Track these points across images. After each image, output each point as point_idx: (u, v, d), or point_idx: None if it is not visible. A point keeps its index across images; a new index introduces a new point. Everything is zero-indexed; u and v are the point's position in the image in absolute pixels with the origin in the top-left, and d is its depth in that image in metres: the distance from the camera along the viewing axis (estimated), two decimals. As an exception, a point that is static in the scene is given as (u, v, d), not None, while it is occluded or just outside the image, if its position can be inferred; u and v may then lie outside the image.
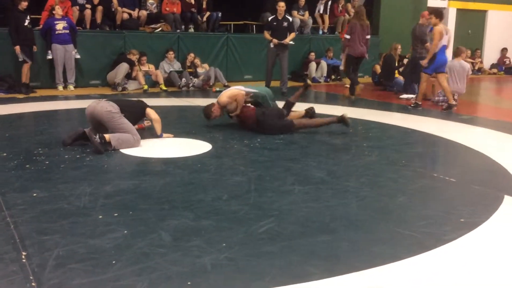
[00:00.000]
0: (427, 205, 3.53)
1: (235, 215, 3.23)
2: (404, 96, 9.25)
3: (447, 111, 7.68)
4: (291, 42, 9.24)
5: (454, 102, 7.88)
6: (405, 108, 8.04)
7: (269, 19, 9.39)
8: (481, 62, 15.57)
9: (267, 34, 9.26)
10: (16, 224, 2.97)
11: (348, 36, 8.97)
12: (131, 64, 9.43)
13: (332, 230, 3.02)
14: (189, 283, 2.35)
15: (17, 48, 8.17)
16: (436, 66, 7.77)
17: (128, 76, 9.47)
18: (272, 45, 9.16)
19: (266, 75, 9.53)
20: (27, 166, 4.23)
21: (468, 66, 8.57)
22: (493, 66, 15.92)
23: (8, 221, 3.02)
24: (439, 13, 7.80)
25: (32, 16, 8.58)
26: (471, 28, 15.52)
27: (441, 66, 7.79)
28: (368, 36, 8.96)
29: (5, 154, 4.58)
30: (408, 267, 2.58)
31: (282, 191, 3.73)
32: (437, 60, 7.70)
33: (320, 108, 7.57)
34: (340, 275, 2.46)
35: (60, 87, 9.02)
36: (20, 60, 8.27)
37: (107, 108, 4.84)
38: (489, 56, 16.06)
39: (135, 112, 5.14)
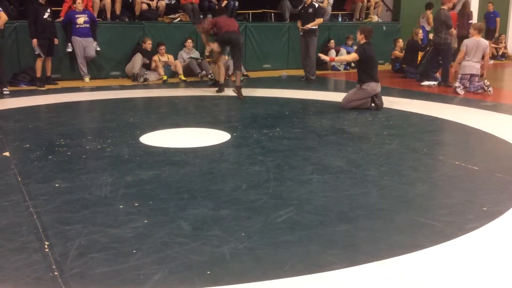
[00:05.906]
0: (448, 194, 3.48)
1: (254, 204, 3.23)
2: (426, 83, 9.10)
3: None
4: (314, 27, 9.25)
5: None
6: (426, 95, 7.92)
7: (299, 8, 9.76)
8: (505, 47, 15.19)
9: (298, 23, 9.62)
10: (39, 214, 3.03)
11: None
12: (146, 53, 9.45)
13: (352, 219, 3.00)
14: (208, 272, 2.37)
15: (34, 41, 8.19)
16: None
17: (147, 67, 9.51)
18: (301, 33, 9.44)
19: (302, 63, 9.80)
20: (50, 157, 4.30)
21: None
22: (517, 51, 15.53)
23: (31, 211, 3.08)
24: None
25: (54, 8, 8.65)
26: (495, 13, 15.09)
27: None
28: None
29: (28, 145, 4.67)
30: (429, 256, 2.55)
31: (301, 180, 3.72)
32: None
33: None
34: (359, 264, 2.45)
35: (87, 78, 9.12)
36: (36, 53, 8.33)
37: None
38: (514, 41, 15.65)
39: None
